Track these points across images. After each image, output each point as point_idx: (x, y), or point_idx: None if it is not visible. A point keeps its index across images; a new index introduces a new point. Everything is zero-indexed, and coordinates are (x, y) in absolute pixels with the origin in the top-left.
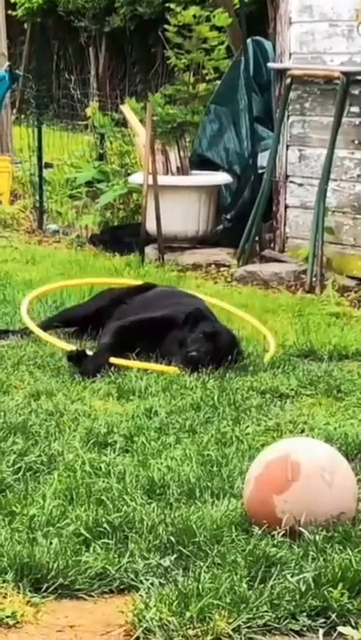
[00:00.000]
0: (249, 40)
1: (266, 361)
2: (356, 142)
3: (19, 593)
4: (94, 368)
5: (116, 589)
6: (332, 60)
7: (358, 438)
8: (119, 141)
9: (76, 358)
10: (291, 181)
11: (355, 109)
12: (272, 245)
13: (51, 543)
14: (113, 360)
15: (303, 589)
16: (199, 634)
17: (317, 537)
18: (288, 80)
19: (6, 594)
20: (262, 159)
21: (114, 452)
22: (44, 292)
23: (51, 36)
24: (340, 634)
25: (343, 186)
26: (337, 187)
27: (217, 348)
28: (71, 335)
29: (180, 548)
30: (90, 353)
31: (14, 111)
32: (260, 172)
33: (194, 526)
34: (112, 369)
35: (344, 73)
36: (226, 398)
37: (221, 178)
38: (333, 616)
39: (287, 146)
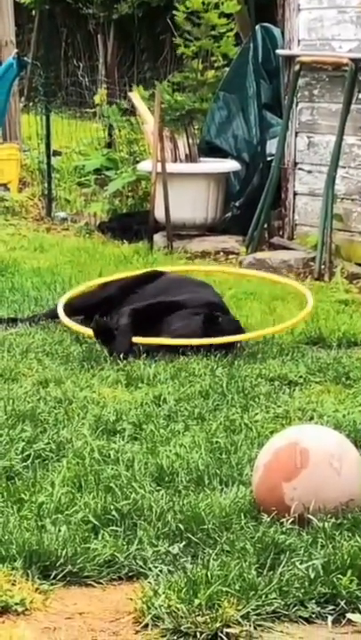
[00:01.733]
0: (258, 27)
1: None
2: None
3: (27, 580)
4: (125, 348)
5: (125, 576)
6: (341, 46)
7: None
8: (127, 129)
9: (104, 335)
10: (299, 168)
11: None
12: (281, 233)
13: (59, 530)
14: (135, 339)
15: (312, 576)
16: (208, 620)
17: (326, 524)
18: (297, 67)
19: (15, 581)
20: (271, 146)
21: (122, 440)
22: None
23: (59, 23)
24: (350, 621)
25: (352, 173)
26: (346, 174)
27: (211, 333)
28: (80, 324)
29: (189, 535)
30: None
31: (22, 99)
32: (268, 159)
33: (203, 514)
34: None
35: (353, 60)
36: (234, 385)
37: (230, 165)
38: (342, 603)
39: (296, 133)
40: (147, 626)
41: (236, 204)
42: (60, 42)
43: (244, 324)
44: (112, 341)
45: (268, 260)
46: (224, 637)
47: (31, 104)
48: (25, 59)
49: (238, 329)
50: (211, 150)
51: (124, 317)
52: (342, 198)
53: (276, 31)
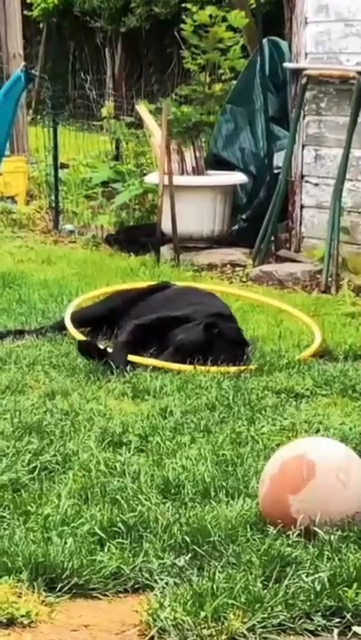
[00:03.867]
0: (265, 40)
1: (304, 355)
2: None
3: (33, 592)
4: (119, 364)
5: (131, 589)
6: (348, 59)
7: None
8: (135, 142)
9: (90, 352)
10: (306, 181)
11: None
12: (288, 245)
13: (65, 543)
14: (130, 358)
15: (318, 589)
16: (214, 633)
17: (332, 537)
18: (304, 80)
19: (21, 593)
20: (278, 159)
21: (129, 452)
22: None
23: (67, 36)
24: (355, 634)
25: (359, 186)
26: (353, 186)
27: (213, 341)
28: (85, 335)
29: (195, 547)
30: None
31: (30, 111)
32: (275, 171)
33: (209, 526)
34: (127, 368)
35: (360, 73)
36: (241, 398)
37: (237, 178)
38: (348, 616)
39: (303, 146)
40: (152, 638)
41: (243, 216)
42: (67, 55)
43: (250, 336)
44: (103, 358)
45: (275, 272)
46: None
47: (39, 117)
48: (33, 71)
49: (240, 339)
50: (218, 163)
51: (125, 334)
52: (349, 211)
53: (284, 44)
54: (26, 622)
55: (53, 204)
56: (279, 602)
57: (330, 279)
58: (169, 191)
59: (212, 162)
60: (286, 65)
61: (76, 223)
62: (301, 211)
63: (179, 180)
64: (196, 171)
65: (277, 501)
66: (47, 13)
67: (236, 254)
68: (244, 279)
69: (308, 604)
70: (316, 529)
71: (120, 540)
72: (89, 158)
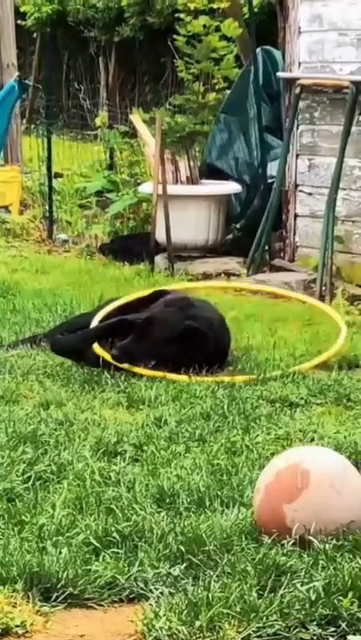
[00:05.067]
0: (258, 49)
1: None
2: None
3: (28, 602)
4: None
5: (126, 598)
6: (342, 69)
7: None
8: (129, 151)
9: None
10: (300, 190)
11: None
12: (282, 254)
13: (60, 552)
14: (126, 366)
15: (313, 598)
16: None
17: (327, 546)
18: (298, 89)
19: (16, 603)
20: (272, 168)
21: (123, 462)
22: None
23: (60, 46)
24: None
25: (353, 195)
26: (346, 195)
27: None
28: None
29: (190, 557)
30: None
31: (24, 121)
32: (269, 181)
33: (204, 535)
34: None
35: (353, 82)
36: (235, 407)
37: (231, 187)
38: (344, 625)
39: (297, 155)
40: None
41: (237, 225)
42: (61, 64)
43: (245, 345)
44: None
45: (269, 281)
46: None
47: (32, 126)
48: (26, 81)
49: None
50: (212, 172)
51: (105, 324)
52: (343, 220)
53: (277, 54)
54: (21, 632)
55: (47, 214)
56: (274, 611)
57: (324, 288)
58: (163, 201)
59: (206, 171)
60: (280, 74)
61: (70, 233)
62: (295, 220)
63: (173, 189)
64: (191, 180)
65: (272, 510)
66: (41, 23)
67: (231, 263)
68: (238, 288)
69: (304, 613)
70: (310, 538)
71: (115, 550)
72: (83, 168)
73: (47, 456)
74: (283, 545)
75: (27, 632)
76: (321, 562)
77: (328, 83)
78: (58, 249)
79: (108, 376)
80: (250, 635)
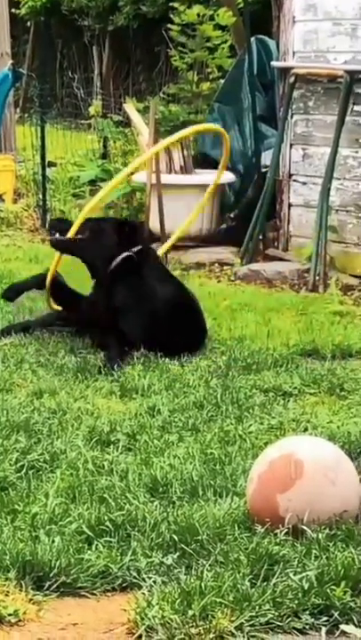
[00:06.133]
0: (253, 39)
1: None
2: (360, 141)
3: (21, 591)
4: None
5: (119, 587)
6: (336, 58)
7: None
8: (122, 140)
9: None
10: (294, 180)
11: (358, 108)
12: (275, 244)
13: (53, 541)
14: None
15: (306, 587)
16: (202, 632)
17: (320, 535)
18: (292, 79)
19: (9, 592)
20: (266, 158)
21: (117, 451)
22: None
23: (54, 34)
24: (343, 632)
25: (347, 185)
26: (340, 185)
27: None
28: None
29: (183, 546)
30: None
31: (18, 110)
32: (263, 170)
33: (197, 524)
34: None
35: (348, 72)
36: (229, 397)
37: (225, 177)
38: (336, 614)
39: (291, 144)
40: (140, 637)
41: (231, 215)
42: (55, 53)
43: (239, 335)
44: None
45: (263, 271)
46: None
47: (26, 115)
48: (20, 70)
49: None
50: (205, 162)
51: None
52: (337, 210)
53: (272, 43)
54: (14, 621)
55: (41, 203)
56: (267, 600)
57: (318, 278)
58: (157, 190)
59: (199, 161)
60: (274, 64)
61: None
62: (289, 209)
63: (167, 178)
64: (184, 170)
65: (266, 500)
66: (35, 12)
67: (225, 253)
68: (232, 278)
69: (296, 602)
70: (304, 527)
71: (108, 539)
72: (77, 157)
73: (40, 445)
74: (276, 534)
75: (19, 621)
76: (314, 551)
77: (322, 72)
78: None
79: (102, 365)
80: (242, 624)
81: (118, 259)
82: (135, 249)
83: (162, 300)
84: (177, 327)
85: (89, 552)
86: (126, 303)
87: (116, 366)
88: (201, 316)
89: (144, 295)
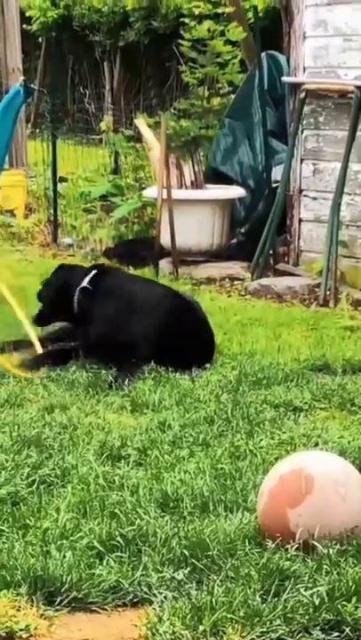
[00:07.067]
0: (263, 54)
1: None
2: None
3: (32, 606)
4: None
5: (130, 603)
6: (347, 74)
7: None
8: (133, 156)
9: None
10: (305, 195)
11: None
12: (286, 259)
13: (64, 556)
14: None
15: (317, 603)
16: None
17: (331, 550)
18: (302, 94)
19: (20, 607)
20: (276, 173)
21: (127, 466)
22: None
23: (65, 50)
24: None
25: (357, 200)
26: (351, 200)
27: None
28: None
29: (194, 561)
30: None
31: (29, 125)
32: (274, 185)
33: (207, 540)
34: None
35: (358, 87)
36: (239, 412)
37: (235, 192)
38: (347, 630)
39: (301, 160)
40: None
41: (242, 230)
42: (66, 69)
43: (249, 350)
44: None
45: (274, 286)
46: None
47: (38, 131)
48: (32, 86)
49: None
50: (216, 177)
51: None
52: (347, 225)
53: (282, 58)
54: (25, 636)
55: (52, 218)
56: (278, 616)
57: (328, 293)
58: (168, 205)
59: (210, 176)
60: (285, 79)
61: (74, 237)
62: (300, 225)
63: (177, 193)
64: (195, 185)
65: (276, 515)
66: (46, 27)
67: (235, 268)
68: (242, 293)
69: (307, 617)
70: (314, 543)
71: (119, 554)
72: (88, 172)
73: (51, 460)
74: (286, 550)
75: (30, 636)
76: (325, 567)
77: (333, 88)
78: (62, 253)
79: (113, 380)
80: (253, 639)
81: (76, 296)
82: (86, 279)
83: (144, 302)
84: (171, 323)
85: (100, 567)
86: (109, 323)
87: (127, 381)
88: (179, 304)
89: (122, 305)
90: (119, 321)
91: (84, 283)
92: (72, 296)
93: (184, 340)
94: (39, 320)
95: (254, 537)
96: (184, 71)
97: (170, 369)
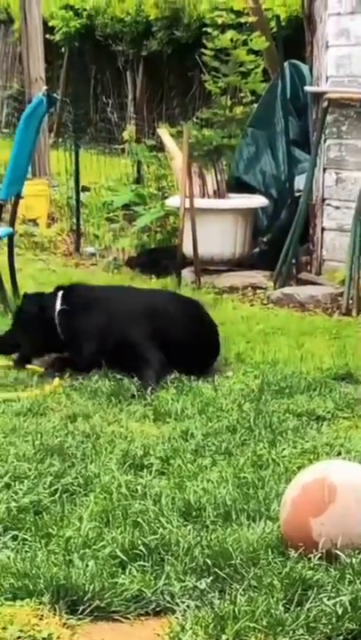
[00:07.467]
0: (286, 63)
1: None
2: None
3: (55, 615)
4: None
5: (153, 612)
6: None
7: None
8: (156, 165)
9: None
10: (327, 204)
11: None
12: (309, 268)
13: (87, 565)
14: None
15: (340, 612)
16: None
17: (354, 560)
18: (325, 103)
19: (42, 615)
20: (299, 182)
21: (150, 475)
22: None
23: (88, 59)
24: None
25: None
26: None
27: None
28: None
29: (217, 570)
30: None
31: (52, 135)
32: (296, 194)
33: (230, 549)
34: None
35: None
36: (262, 420)
37: (258, 201)
38: None
39: (324, 169)
40: None
41: (264, 239)
42: (89, 78)
43: (272, 359)
44: None
45: (296, 295)
46: None
47: (60, 140)
48: (54, 95)
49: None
50: (239, 186)
51: None
52: None
53: (305, 68)
54: None
55: (75, 227)
56: (301, 625)
57: (351, 301)
58: (190, 214)
59: (233, 185)
60: (307, 88)
61: (97, 246)
62: (322, 234)
63: (200, 202)
64: (218, 194)
65: (299, 524)
66: (69, 37)
67: (258, 277)
68: (265, 302)
69: (330, 627)
70: (337, 552)
71: (141, 563)
72: (110, 181)
73: (74, 469)
74: (309, 559)
75: None
76: (348, 576)
77: (355, 97)
78: (85, 262)
79: (135, 389)
80: None
81: (57, 321)
82: (58, 302)
83: (133, 304)
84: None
85: (123, 576)
86: (107, 331)
87: (150, 390)
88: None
89: (113, 311)
90: (119, 327)
91: (59, 305)
92: (52, 321)
93: (188, 336)
94: (22, 361)
95: (277, 546)
96: (207, 80)
97: (191, 377)
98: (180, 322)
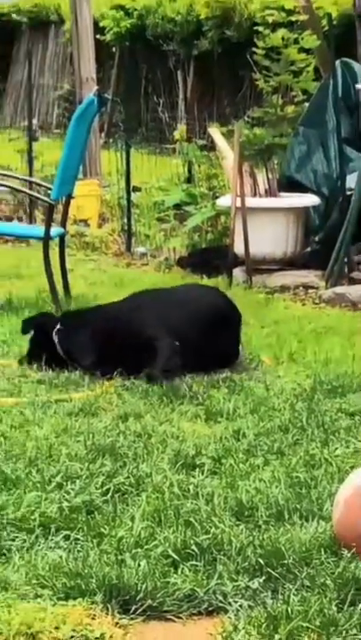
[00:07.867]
0: (337, 62)
1: None
2: None
3: (107, 614)
4: None
5: (205, 611)
6: None
7: None
8: (207, 164)
9: None
10: None
11: None
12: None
13: (139, 565)
14: None
15: None
16: None
17: None
18: None
19: (95, 615)
20: (351, 181)
21: (202, 474)
22: None
23: (139, 60)
24: None
25: None
26: None
27: None
28: None
29: (269, 570)
30: None
31: (103, 135)
32: (348, 193)
33: (283, 548)
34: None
35: None
36: (314, 420)
37: (310, 200)
38: None
39: None
40: None
41: (316, 238)
42: (140, 78)
43: (324, 358)
44: None
45: (348, 294)
46: None
47: (111, 140)
48: (105, 95)
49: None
50: (290, 185)
51: None
52: None
53: (357, 66)
54: None
55: (126, 227)
56: (354, 625)
57: None
58: (241, 213)
59: (284, 184)
60: (358, 86)
61: (148, 246)
62: None
63: (251, 202)
64: (269, 193)
65: (352, 524)
66: (120, 37)
67: (309, 276)
68: (316, 301)
69: None
70: None
71: (194, 563)
72: (161, 181)
73: (126, 468)
74: None
75: None
76: None
77: None
78: (136, 262)
79: (187, 388)
80: None
81: (55, 339)
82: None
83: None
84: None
85: (175, 576)
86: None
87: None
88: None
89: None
90: (119, 327)
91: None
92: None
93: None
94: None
95: (330, 546)
96: (258, 79)
97: (243, 376)
98: (193, 311)
